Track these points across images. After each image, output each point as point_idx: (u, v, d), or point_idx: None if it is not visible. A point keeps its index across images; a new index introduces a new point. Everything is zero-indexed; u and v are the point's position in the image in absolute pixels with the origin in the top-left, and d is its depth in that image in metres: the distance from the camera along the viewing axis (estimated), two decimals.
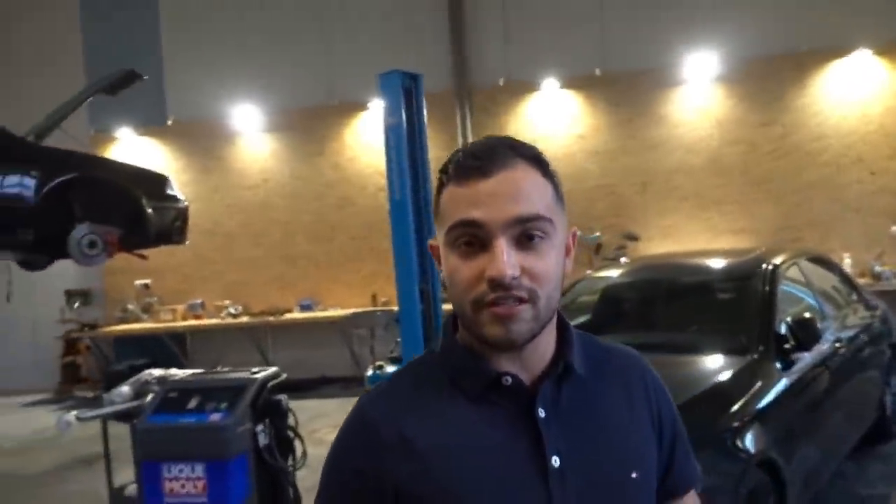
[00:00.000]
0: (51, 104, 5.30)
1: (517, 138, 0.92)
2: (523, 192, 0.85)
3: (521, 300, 0.83)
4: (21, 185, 4.51)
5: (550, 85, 7.78)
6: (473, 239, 0.84)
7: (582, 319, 4.29)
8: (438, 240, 0.91)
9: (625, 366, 1.01)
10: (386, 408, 0.91)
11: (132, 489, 3.80)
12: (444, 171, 0.90)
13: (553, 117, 7.85)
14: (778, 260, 3.81)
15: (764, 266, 3.70)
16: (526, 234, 0.84)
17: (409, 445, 0.86)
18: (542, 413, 0.88)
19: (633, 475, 0.92)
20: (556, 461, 0.87)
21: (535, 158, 0.89)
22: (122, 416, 3.80)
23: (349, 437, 0.91)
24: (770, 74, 7.36)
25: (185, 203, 5.48)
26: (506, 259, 0.82)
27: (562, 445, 0.88)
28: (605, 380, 0.97)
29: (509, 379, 0.88)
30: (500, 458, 0.86)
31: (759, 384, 2.96)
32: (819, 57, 7.23)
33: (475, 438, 0.87)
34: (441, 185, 0.90)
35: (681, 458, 1.03)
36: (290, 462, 3.38)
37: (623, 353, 1.04)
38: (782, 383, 3.06)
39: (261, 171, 8.58)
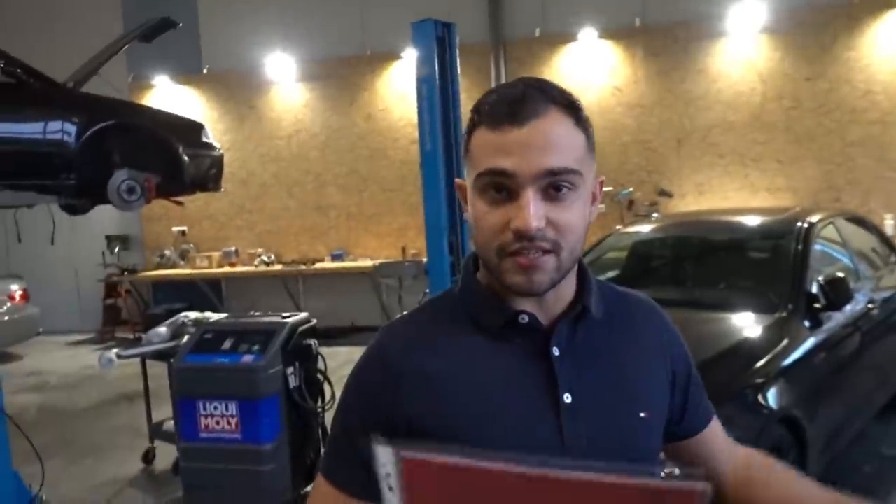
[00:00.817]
0: (88, 52, 5.37)
1: (551, 81, 0.90)
2: (555, 142, 0.84)
3: (544, 251, 0.84)
4: (63, 130, 4.62)
5: (588, 35, 7.57)
6: (501, 187, 0.85)
7: (611, 274, 4.28)
8: (467, 181, 0.91)
9: (639, 311, 1.03)
10: (404, 340, 0.93)
11: (170, 425, 4.01)
12: (476, 110, 0.89)
13: (590, 69, 7.67)
14: (813, 219, 3.73)
15: (798, 224, 3.63)
16: (554, 185, 0.84)
17: (424, 377, 0.89)
18: (556, 351, 0.90)
19: (642, 415, 0.94)
20: (567, 398, 0.89)
21: (569, 105, 0.87)
22: (160, 356, 3.97)
23: (367, 366, 0.94)
24: (819, 25, 7.05)
25: (220, 151, 5.54)
26: (532, 211, 0.82)
27: (574, 383, 0.90)
28: (619, 323, 0.99)
29: (526, 317, 0.90)
30: (514, 393, 0.89)
31: (785, 342, 2.94)
32: (872, 7, 6.89)
33: (490, 374, 0.89)
34: (473, 126, 0.89)
35: (696, 397, 1.06)
36: (319, 404, 3.50)
37: (638, 299, 1.05)
38: (810, 342, 3.04)
39: (294, 121, 8.62)
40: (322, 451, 3.41)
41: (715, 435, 1.09)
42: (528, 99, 0.85)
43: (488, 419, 0.87)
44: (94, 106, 4.83)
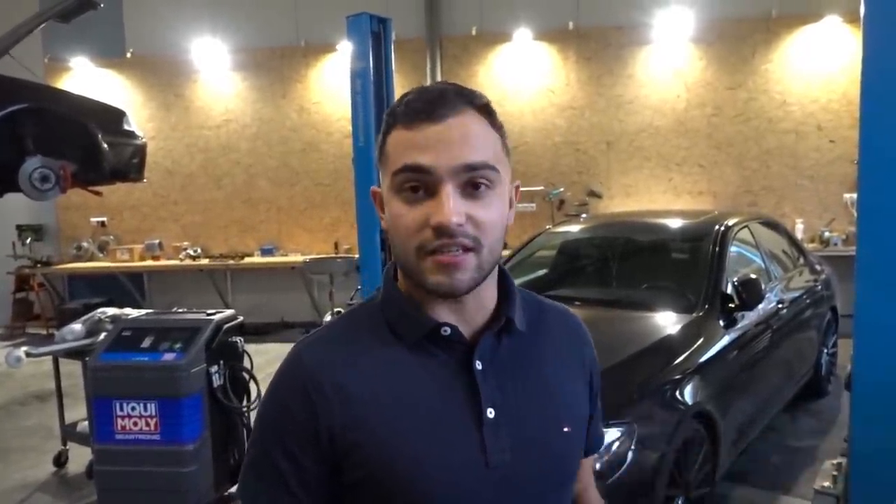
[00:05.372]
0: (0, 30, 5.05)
1: (468, 86, 0.90)
2: (472, 139, 0.84)
3: (465, 248, 0.83)
4: None
5: (523, 36, 7.67)
6: (419, 184, 0.83)
7: (540, 273, 4.37)
8: (382, 185, 0.89)
9: (562, 324, 1.03)
10: (323, 354, 0.90)
11: (84, 426, 3.83)
12: (391, 113, 0.87)
13: (524, 70, 7.77)
14: (730, 222, 3.92)
15: (716, 228, 3.81)
16: (472, 182, 0.83)
17: (344, 392, 0.86)
18: (479, 365, 0.89)
19: (565, 429, 0.94)
20: (490, 413, 0.88)
21: (484, 107, 0.88)
22: (74, 354, 3.79)
23: (285, 381, 0.90)
24: (740, 37, 7.39)
25: (143, 139, 5.33)
26: (452, 205, 0.81)
27: (497, 398, 0.89)
28: (542, 336, 0.98)
29: (448, 329, 0.89)
30: (436, 408, 0.87)
31: (700, 341, 3.08)
32: (789, 21, 7.27)
33: (412, 388, 0.87)
34: (388, 128, 0.87)
35: (595, 423, 1.07)
36: (244, 403, 3.42)
37: (560, 311, 1.06)
38: (724, 340, 3.19)
39: (224, 111, 8.35)
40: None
41: (587, 463, 1.11)
42: (445, 97, 0.85)
43: (411, 434, 0.85)
44: (5, 88, 4.55)
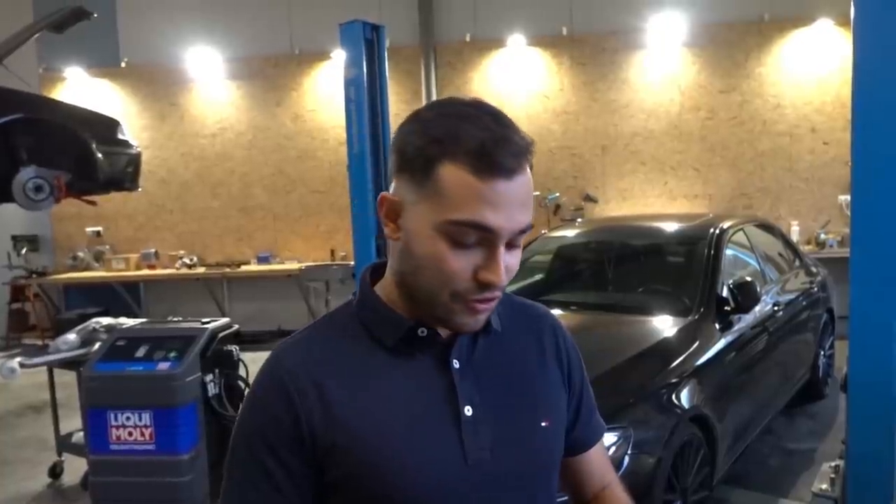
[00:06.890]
0: None
1: (479, 98, 0.89)
2: (529, 199, 0.84)
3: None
4: None
5: (517, 42, 7.70)
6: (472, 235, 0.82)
7: (536, 277, 4.37)
8: (407, 200, 0.84)
9: (537, 321, 1.05)
10: (301, 358, 0.90)
11: (79, 436, 3.81)
12: (449, 141, 0.80)
13: (518, 75, 7.80)
14: (725, 225, 3.92)
15: (710, 231, 3.81)
16: (516, 239, 0.85)
17: (324, 393, 0.86)
18: (456, 364, 0.91)
19: (543, 424, 0.95)
20: (468, 410, 0.89)
21: (531, 151, 0.85)
22: (68, 364, 3.77)
23: (265, 385, 0.90)
24: (733, 41, 7.42)
25: (138, 149, 5.32)
26: (504, 266, 0.83)
27: (475, 395, 0.90)
28: (518, 333, 1.00)
29: (425, 330, 0.90)
30: (415, 407, 0.88)
31: (697, 344, 3.07)
32: (781, 25, 7.31)
33: (390, 388, 0.88)
34: (442, 155, 0.80)
35: (585, 414, 1.07)
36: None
37: (535, 309, 1.07)
38: (720, 343, 3.18)
39: (219, 119, 8.35)
40: None
41: (597, 456, 1.11)
42: (516, 148, 0.82)
43: (390, 434, 0.86)
44: None
